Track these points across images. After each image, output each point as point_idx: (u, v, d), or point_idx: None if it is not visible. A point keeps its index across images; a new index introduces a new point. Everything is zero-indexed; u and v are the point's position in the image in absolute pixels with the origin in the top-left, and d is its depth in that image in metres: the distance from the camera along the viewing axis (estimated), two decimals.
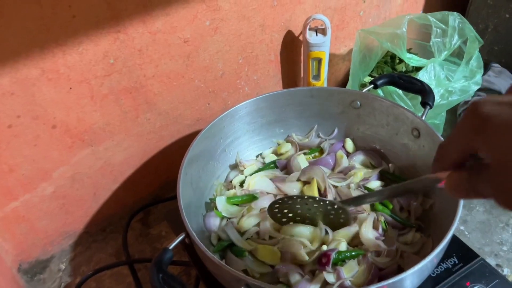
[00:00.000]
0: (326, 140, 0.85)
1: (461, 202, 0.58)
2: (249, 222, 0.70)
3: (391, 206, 0.71)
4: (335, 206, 0.62)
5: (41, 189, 0.77)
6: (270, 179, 0.78)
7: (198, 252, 0.60)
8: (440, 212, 0.68)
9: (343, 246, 0.64)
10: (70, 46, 0.66)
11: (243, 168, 0.81)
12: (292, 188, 0.75)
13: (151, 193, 0.93)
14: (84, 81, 0.71)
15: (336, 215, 0.63)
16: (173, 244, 0.57)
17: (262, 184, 0.76)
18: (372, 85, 0.81)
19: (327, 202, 0.63)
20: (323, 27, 0.90)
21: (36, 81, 0.66)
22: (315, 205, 0.64)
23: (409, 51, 1.11)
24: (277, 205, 0.65)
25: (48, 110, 0.70)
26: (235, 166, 0.83)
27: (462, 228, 0.82)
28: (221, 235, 0.70)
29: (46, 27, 0.63)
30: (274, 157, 0.84)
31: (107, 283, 0.79)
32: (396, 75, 0.81)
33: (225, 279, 0.58)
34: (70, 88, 0.70)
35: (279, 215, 0.66)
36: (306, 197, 0.64)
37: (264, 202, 0.71)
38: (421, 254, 0.65)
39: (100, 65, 0.71)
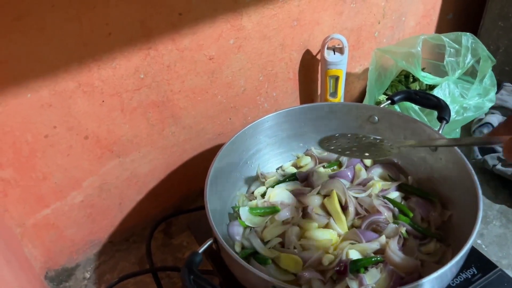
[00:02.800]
0: None
1: (480, 213, 0.60)
2: (272, 232, 0.73)
3: (411, 215, 0.73)
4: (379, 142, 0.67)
5: (71, 197, 0.80)
6: (291, 191, 0.80)
7: (225, 257, 0.62)
8: (459, 223, 0.70)
9: (354, 254, 0.66)
10: (105, 61, 0.71)
11: (264, 180, 0.84)
12: (313, 200, 0.77)
13: (173, 204, 0.96)
14: (116, 94, 0.75)
15: (380, 149, 0.67)
16: (202, 249, 0.59)
17: (283, 196, 0.78)
18: (389, 101, 0.83)
19: (372, 138, 0.69)
20: (340, 46, 0.94)
21: (72, 94, 0.70)
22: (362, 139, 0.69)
23: (422, 70, 1.15)
24: (327, 140, 0.70)
25: (81, 122, 0.74)
26: (256, 178, 0.86)
27: (479, 241, 0.83)
28: (245, 243, 0.72)
29: (84, 43, 0.67)
30: (294, 170, 0.86)
31: None
32: (413, 91, 0.84)
33: (251, 283, 0.60)
34: (103, 101, 0.74)
35: (331, 147, 0.71)
36: (351, 134, 0.70)
37: (286, 214, 0.74)
38: (441, 263, 0.67)
39: (131, 79, 0.75)
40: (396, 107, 0.91)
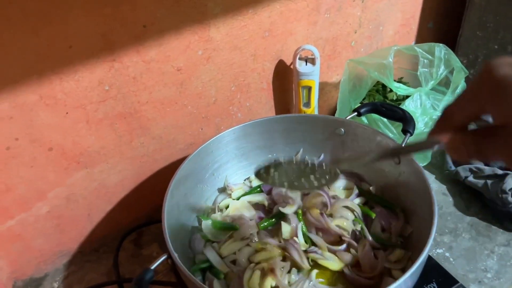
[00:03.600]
0: None
1: (434, 229, 0.60)
2: (229, 248, 0.73)
3: (373, 215, 0.73)
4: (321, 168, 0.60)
5: (36, 208, 0.80)
6: (254, 205, 0.80)
7: (179, 272, 0.62)
8: (418, 235, 0.70)
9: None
10: (67, 74, 0.71)
11: (230, 191, 0.84)
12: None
13: (144, 214, 0.96)
14: (80, 106, 0.75)
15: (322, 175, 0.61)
16: (155, 265, 0.60)
17: (242, 210, 0.78)
18: (356, 113, 0.84)
19: (312, 164, 0.60)
20: (313, 57, 0.93)
21: (34, 106, 0.70)
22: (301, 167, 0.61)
23: (400, 79, 1.15)
24: (263, 170, 0.62)
25: (45, 134, 0.74)
26: (223, 190, 0.86)
27: (447, 254, 0.83)
28: (204, 257, 0.72)
29: (44, 57, 0.67)
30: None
31: None
32: (379, 103, 0.85)
33: None
34: (67, 113, 0.74)
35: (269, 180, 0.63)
36: (286, 162, 0.61)
37: (245, 231, 0.74)
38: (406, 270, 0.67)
39: (95, 91, 0.75)
40: (364, 119, 0.91)
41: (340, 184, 0.83)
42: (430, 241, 0.58)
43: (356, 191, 0.80)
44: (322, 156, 0.88)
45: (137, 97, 0.81)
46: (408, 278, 0.56)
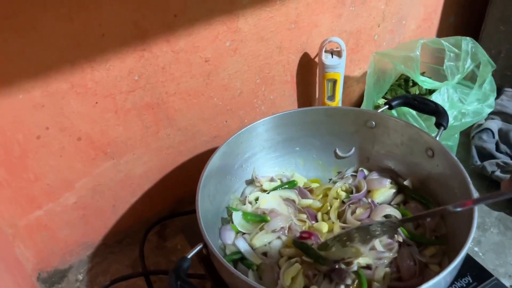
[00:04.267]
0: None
1: (474, 224, 0.59)
2: (260, 240, 0.72)
3: (409, 214, 0.73)
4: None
5: (64, 199, 0.79)
6: (284, 199, 0.80)
7: (214, 262, 0.62)
8: (455, 230, 0.69)
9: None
10: (98, 63, 0.70)
11: (258, 184, 0.83)
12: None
13: (168, 207, 0.95)
14: (110, 96, 0.74)
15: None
16: (192, 254, 0.59)
17: (273, 204, 0.78)
18: (387, 106, 0.83)
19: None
20: (339, 49, 0.93)
21: (65, 95, 0.69)
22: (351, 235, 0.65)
23: (422, 74, 1.14)
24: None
25: (74, 123, 0.73)
26: (251, 182, 0.85)
27: (476, 249, 0.82)
28: (236, 247, 0.72)
29: (77, 44, 0.66)
30: (298, 177, 0.87)
31: None
32: (411, 96, 0.83)
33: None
34: (96, 103, 0.74)
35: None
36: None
37: (276, 224, 0.73)
38: (443, 265, 0.67)
39: (125, 81, 0.75)
40: (394, 112, 0.90)
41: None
42: (471, 237, 0.57)
43: (394, 190, 0.79)
44: (353, 150, 0.87)
45: (165, 88, 0.80)
46: (448, 274, 0.55)
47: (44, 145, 0.72)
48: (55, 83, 0.68)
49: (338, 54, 0.93)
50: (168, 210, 0.95)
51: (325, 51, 0.93)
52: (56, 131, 0.72)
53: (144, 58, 0.75)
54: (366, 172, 0.85)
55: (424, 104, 0.81)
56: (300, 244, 0.69)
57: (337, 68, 0.93)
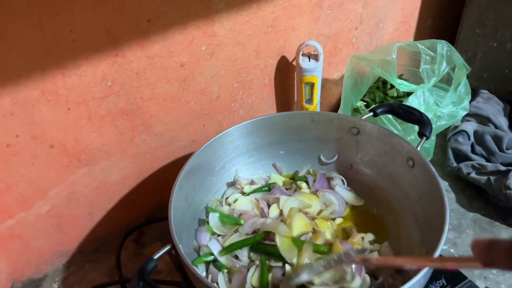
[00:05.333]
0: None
1: (445, 232, 0.59)
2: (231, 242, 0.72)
3: None
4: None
5: (37, 207, 0.78)
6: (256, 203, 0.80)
7: (182, 263, 0.61)
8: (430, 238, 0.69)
9: None
10: (70, 69, 0.69)
11: (240, 186, 0.83)
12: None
13: (145, 213, 0.94)
14: (82, 102, 0.73)
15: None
16: (158, 255, 0.60)
17: (247, 206, 0.78)
18: (372, 113, 0.83)
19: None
20: (316, 53, 0.93)
21: (35, 102, 0.68)
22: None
23: (400, 77, 1.15)
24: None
25: (46, 130, 0.72)
26: (232, 184, 0.85)
27: (452, 251, 0.83)
28: (209, 250, 0.72)
29: (47, 51, 0.65)
30: (280, 179, 0.87)
31: None
32: (396, 104, 0.83)
33: None
34: (69, 109, 0.72)
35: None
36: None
37: (249, 227, 0.73)
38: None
39: (98, 87, 0.74)
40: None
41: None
42: (441, 244, 0.57)
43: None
44: (336, 157, 0.88)
45: (140, 93, 0.79)
46: (422, 277, 0.55)
47: (15, 153, 0.70)
48: (25, 91, 0.66)
49: (315, 57, 0.93)
50: (146, 216, 0.94)
51: (302, 55, 0.93)
52: (27, 139, 0.70)
53: (117, 64, 0.74)
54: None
55: (408, 113, 0.80)
56: (261, 247, 0.69)
57: (314, 71, 0.93)
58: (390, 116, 0.89)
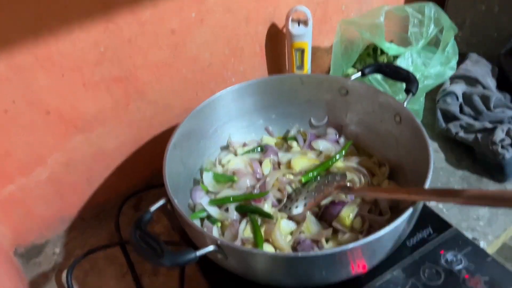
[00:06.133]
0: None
1: (429, 175, 0.61)
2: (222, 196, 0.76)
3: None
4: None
5: (36, 173, 0.80)
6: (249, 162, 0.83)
7: (177, 217, 0.64)
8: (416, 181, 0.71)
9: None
10: (62, 34, 0.70)
11: (233, 149, 0.86)
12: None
13: (143, 180, 0.96)
14: (76, 68, 0.75)
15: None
16: (154, 207, 0.63)
17: (240, 165, 0.81)
18: (360, 73, 0.84)
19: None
20: (305, 18, 0.94)
21: (30, 68, 0.70)
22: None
23: (391, 42, 1.16)
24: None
25: (42, 97, 0.74)
26: (226, 147, 0.88)
27: (440, 206, 0.85)
28: (203, 206, 0.75)
29: (39, 15, 0.67)
30: (272, 141, 0.89)
31: (101, 264, 0.83)
32: (383, 64, 0.86)
33: (200, 241, 0.62)
34: (63, 75, 0.74)
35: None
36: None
37: (244, 183, 0.77)
38: None
39: (91, 53, 0.75)
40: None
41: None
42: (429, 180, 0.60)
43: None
44: (326, 119, 0.90)
45: (132, 60, 0.81)
46: (405, 222, 0.58)
47: (13, 119, 0.72)
48: (20, 56, 0.68)
49: (305, 23, 0.94)
50: (144, 183, 0.96)
51: (292, 20, 0.94)
52: (23, 105, 0.72)
53: (109, 30, 0.75)
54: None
55: (395, 72, 0.82)
56: (248, 208, 0.73)
57: (304, 37, 0.94)
58: (378, 77, 0.90)
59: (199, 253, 0.55)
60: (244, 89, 0.85)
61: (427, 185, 0.61)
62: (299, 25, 0.94)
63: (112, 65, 0.79)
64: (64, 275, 0.80)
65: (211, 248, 0.57)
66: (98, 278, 0.80)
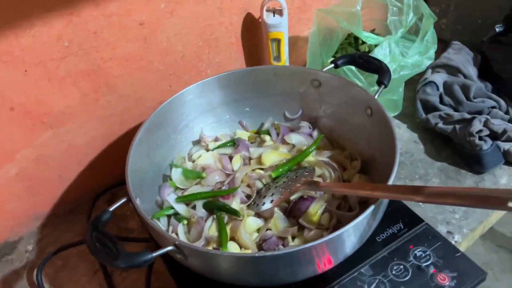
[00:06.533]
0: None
1: (393, 174, 0.60)
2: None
3: None
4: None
5: (5, 170, 0.79)
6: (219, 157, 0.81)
7: (138, 215, 0.63)
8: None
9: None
10: (22, 29, 0.69)
11: (204, 143, 0.84)
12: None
13: (117, 175, 0.95)
14: (40, 63, 0.73)
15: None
16: (114, 207, 0.61)
17: (209, 160, 0.79)
18: (333, 65, 0.82)
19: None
20: (280, 8, 0.92)
21: None
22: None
23: (373, 31, 1.13)
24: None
25: (5, 92, 0.72)
26: (198, 142, 0.86)
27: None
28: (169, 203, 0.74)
29: None
30: (246, 134, 0.88)
31: (73, 260, 0.82)
32: (357, 55, 0.83)
33: (159, 240, 0.61)
34: (26, 71, 0.72)
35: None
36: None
37: (212, 179, 0.75)
38: None
39: (55, 47, 0.73)
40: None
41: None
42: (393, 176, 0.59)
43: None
44: (300, 112, 0.88)
45: (99, 53, 0.79)
46: (366, 219, 0.56)
47: None
48: None
49: (280, 13, 0.92)
50: (117, 178, 0.95)
51: (267, 10, 0.92)
52: None
53: (72, 23, 0.73)
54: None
55: (369, 63, 0.80)
56: (215, 204, 0.71)
57: (280, 27, 0.92)
58: (353, 68, 0.88)
59: (156, 254, 0.54)
60: (215, 82, 0.83)
61: (390, 181, 0.59)
62: (274, 15, 0.92)
63: (78, 59, 0.77)
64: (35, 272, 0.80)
65: (169, 248, 0.55)
66: (69, 275, 0.79)
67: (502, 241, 1.92)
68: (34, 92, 0.75)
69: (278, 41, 0.94)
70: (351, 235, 0.57)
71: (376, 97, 0.73)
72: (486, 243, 1.92)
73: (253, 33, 0.99)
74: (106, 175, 0.93)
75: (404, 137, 0.97)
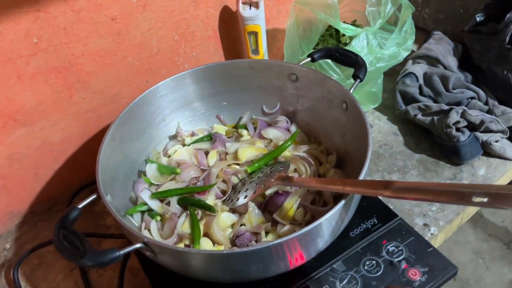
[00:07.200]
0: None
1: (365, 169, 0.59)
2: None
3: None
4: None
5: None
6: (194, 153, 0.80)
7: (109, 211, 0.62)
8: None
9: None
10: None
11: (181, 138, 0.84)
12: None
13: (95, 171, 0.94)
14: (8, 61, 0.72)
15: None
16: (83, 204, 0.61)
17: (185, 156, 0.78)
18: (309, 58, 0.81)
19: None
20: (257, 0, 0.90)
21: None
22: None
23: (354, 22, 1.12)
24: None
25: None
26: (174, 137, 0.86)
27: None
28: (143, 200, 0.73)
29: None
30: (223, 129, 0.87)
31: (49, 258, 0.81)
32: (333, 48, 0.82)
33: (130, 237, 0.60)
34: None
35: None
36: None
37: (187, 175, 0.74)
38: None
39: (23, 44, 0.72)
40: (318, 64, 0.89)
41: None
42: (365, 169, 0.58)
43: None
44: (278, 106, 0.87)
45: (70, 50, 0.78)
46: (336, 215, 0.56)
47: None
48: None
49: (256, 5, 0.91)
50: (95, 174, 0.94)
51: (243, 3, 0.91)
52: None
53: (40, 19, 0.72)
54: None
55: (344, 56, 0.79)
56: (189, 200, 0.71)
57: (256, 20, 0.91)
58: (330, 62, 0.87)
59: (124, 251, 0.54)
60: (190, 76, 0.82)
61: (361, 176, 0.59)
62: (250, 7, 0.91)
63: (48, 55, 0.76)
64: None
65: (137, 246, 0.55)
66: (46, 273, 0.79)
67: (493, 230, 1.93)
68: (4, 90, 0.74)
69: (255, 34, 0.93)
70: (323, 229, 0.57)
71: (351, 91, 0.72)
72: (478, 232, 1.93)
73: (231, 26, 0.98)
74: (84, 172, 0.93)
75: (384, 129, 0.97)
